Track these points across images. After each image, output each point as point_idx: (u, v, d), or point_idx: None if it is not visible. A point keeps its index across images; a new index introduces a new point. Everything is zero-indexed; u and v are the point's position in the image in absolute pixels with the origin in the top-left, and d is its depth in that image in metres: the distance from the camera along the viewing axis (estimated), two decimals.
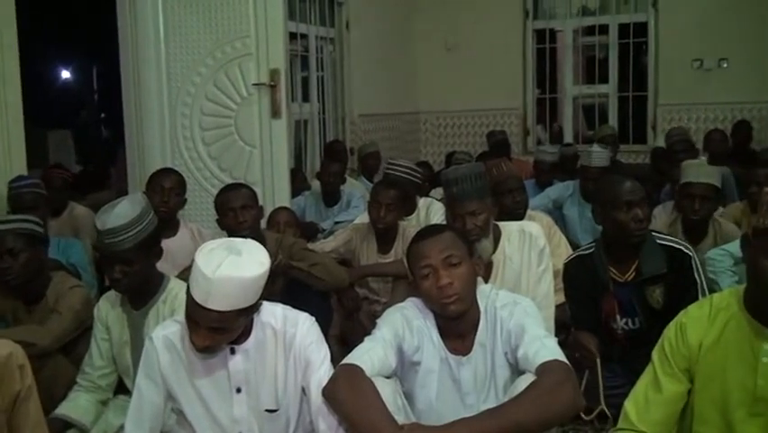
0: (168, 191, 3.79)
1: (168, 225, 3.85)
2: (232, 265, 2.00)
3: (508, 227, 3.12)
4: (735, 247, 3.30)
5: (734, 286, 2.24)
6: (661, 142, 6.59)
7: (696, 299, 2.74)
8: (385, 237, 4.01)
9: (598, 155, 4.99)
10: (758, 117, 7.27)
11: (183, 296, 2.65)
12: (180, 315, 2.19)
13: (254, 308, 2.12)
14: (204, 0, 4.46)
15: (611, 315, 3.04)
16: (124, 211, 2.58)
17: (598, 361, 2.86)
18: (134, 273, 2.62)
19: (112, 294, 2.80)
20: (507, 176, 3.96)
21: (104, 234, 2.58)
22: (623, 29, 7.88)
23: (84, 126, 13.03)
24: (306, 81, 6.77)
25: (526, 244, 3.07)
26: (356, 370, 2.07)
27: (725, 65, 7.33)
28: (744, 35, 7.17)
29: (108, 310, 2.78)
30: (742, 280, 2.04)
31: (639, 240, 2.93)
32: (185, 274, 3.12)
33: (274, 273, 2.14)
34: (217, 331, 2.06)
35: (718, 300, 2.05)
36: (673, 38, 7.49)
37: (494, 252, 3.04)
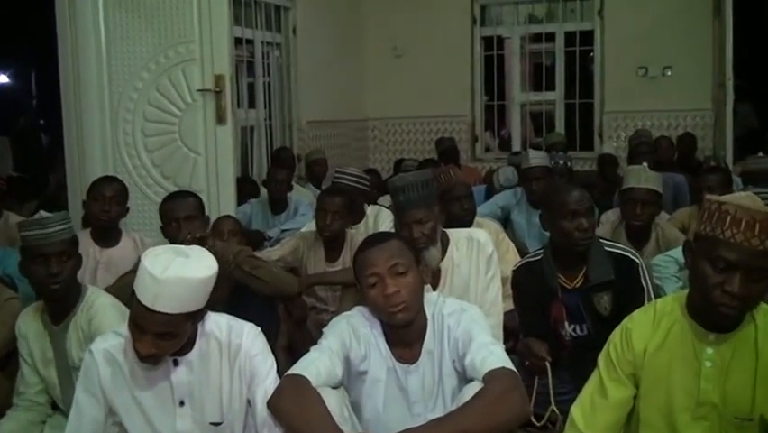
0: (109, 200, 3.72)
1: (109, 234, 3.79)
2: (180, 266, 2.01)
3: (456, 235, 3.13)
4: (679, 253, 3.37)
5: (678, 292, 2.29)
6: (607, 149, 6.71)
7: (643, 305, 2.79)
8: (332, 245, 4.00)
9: (534, 155, 5.07)
10: (701, 124, 7.46)
11: (100, 304, 2.64)
12: (102, 324, 2.16)
13: (201, 314, 2.11)
14: (146, 3, 4.40)
15: (560, 321, 3.07)
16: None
17: (549, 367, 2.88)
18: (70, 270, 2.60)
19: (30, 310, 2.75)
20: (454, 183, 3.98)
21: (36, 227, 2.57)
22: (569, 37, 8.02)
23: (22, 133, 12.73)
24: (252, 87, 6.73)
25: (474, 252, 3.09)
26: (302, 380, 2.05)
27: (669, 73, 7.52)
28: (688, 44, 7.36)
29: (29, 327, 2.73)
30: (686, 285, 2.08)
31: (583, 249, 2.97)
32: (122, 281, 3.09)
33: (218, 277, 2.13)
34: (164, 337, 2.04)
35: (662, 306, 2.09)
36: (619, 46, 7.64)
37: (442, 259, 3.05)
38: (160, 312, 1.99)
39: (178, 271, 2.00)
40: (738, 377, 1.97)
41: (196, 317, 2.10)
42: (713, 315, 1.92)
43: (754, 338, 1.97)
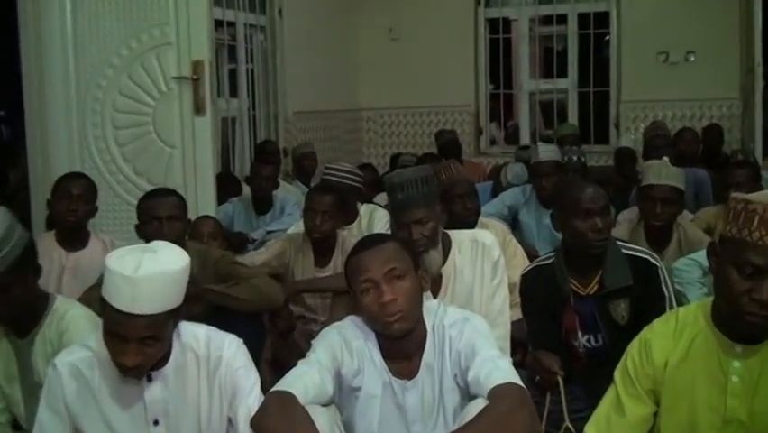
0: (76, 198, 3.72)
1: (76, 236, 3.79)
2: (153, 262, 2.03)
3: (459, 237, 3.14)
4: (703, 257, 3.38)
5: (702, 299, 2.30)
6: (624, 142, 6.72)
7: (663, 313, 2.79)
8: (322, 248, 4.01)
9: (544, 149, 5.08)
10: (728, 115, 7.48)
11: (72, 316, 2.62)
12: (76, 338, 2.16)
13: (181, 312, 2.13)
14: None
15: (572, 331, 3.07)
16: None
17: (561, 382, 2.89)
18: (11, 301, 2.49)
19: None
20: (457, 180, 3.99)
21: None
22: (583, 19, 8.04)
23: None
24: (233, 74, 6.74)
25: (479, 255, 3.09)
26: (288, 397, 2.05)
27: (692, 58, 7.53)
28: (712, 26, 7.37)
29: None
30: (711, 292, 2.09)
31: (598, 251, 2.97)
32: (90, 295, 3.07)
33: (189, 298, 2.14)
34: (148, 342, 2.05)
35: (684, 315, 2.10)
36: (637, 29, 7.66)
37: (443, 264, 3.05)
38: (140, 315, 2.01)
39: (153, 266, 2.02)
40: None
41: (177, 315, 2.12)
42: (740, 325, 1.93)
43: None
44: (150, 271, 2.01)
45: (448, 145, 7.09)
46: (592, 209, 2.96)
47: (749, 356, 1.99)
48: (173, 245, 2.16)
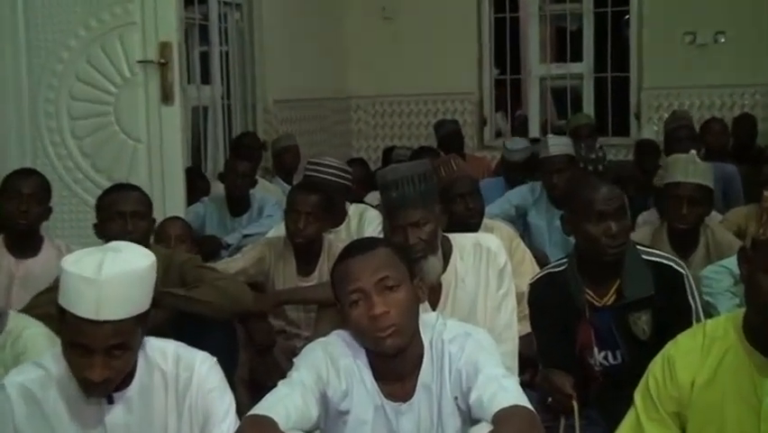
0: (27, 198, 3.72)
1: (27, 242, 3.79)
2: (116, 261, 2.05)
3: (461, 241, 3.14)
4: (734, 263, 3.39)
5: (734, 310, 2.30)
6: (646, 134, 6.74)
7: (689, 327, 2.80)
8: (306, 254, 4.01)
9: (555, 142, 5.10)
10: (762, 103, 7.51)
11: (30, 335, 2.62)
12: (34, 357, 2.15)
13: (148, 317, 2.14)
14: None
15: (587, 347, 3.08)
16: None
17: (576, 405, 2.89)
18: None
19: None
20: (458, 177, 4.00)
21: None
22: None
23: None
24: (205, 58, 6.73)
25: (483, 262, 3.10)
26: (267, 423, 2.05)
27: (722, 39, 7.56)
28: (744, 3, 7.39)
29: None
30: (743, 303, 2.09)
31: (612, 258, 2.97)
32: (40, 300, 3.07)
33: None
34: (115, 352, 2.05)
35: (713, 328, 2.10)
36: (660, 7, 7.69)
37: (443, 271, 3.06)
38: (107, 321, 2.01)
39: (117, 266, 2.03)
40: None
41: (145, 322, 2.13)
42: None
43: None
44: (115, 272, 2.02)
45: (449, 137, 7.09)
46: (606, 211, 2.95)
47: None
48: (136, 245, 2.18)
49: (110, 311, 2.01)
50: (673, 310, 2.97)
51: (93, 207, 3.60)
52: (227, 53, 6.86)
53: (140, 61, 4.39)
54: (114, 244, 2.17)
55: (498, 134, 8.64)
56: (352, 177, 4.78)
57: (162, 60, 4.35)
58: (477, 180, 4.22)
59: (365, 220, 4.53)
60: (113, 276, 2.01)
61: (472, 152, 7.82)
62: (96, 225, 3.46)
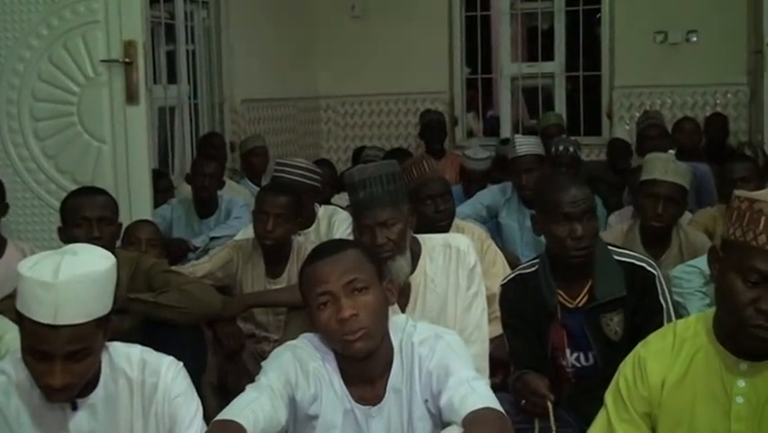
0: None
1: None
2: (73, 264, 2.03)
3: (430, 242, 3.15)
4: (705, 263, 3.42)
5: (704, 310, 2.32)
6: (618, 133, 6.79)
7: (661, 327, 2.82)
8: (275, 257, 4.00)
9: (523, 141, 5.13)
10: (734, 103, 7.57)
11: (11, 339, 2.59)
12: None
13: (110, 321, 2.12)
14: None
15: (559, 349, 3.09)
16: None
17: (551, 407, 2.91)
18: None
19: None
20: (429, 178, 4.00)
21: None
22: None
23: None
24: (171, 57, 6.69)
25: (453, 262, 3.11)
26: (234, 428, 2.04)
27: (694, 39, 7.61)
28: (714, 3, 7.46)
29: None
30: (714, 303, 2.11)
31: (578, 261, 2.98)
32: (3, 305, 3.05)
33: (116, 311, 2.13)
34: (76, 357, 2.04)
35: (683, 328, 2.12)
36: (632, 5, 7.73)
37: (412, 272, 3.06)
38: (66, 325, 2.00)
39: (74, 269, 2.02)
40: None
41: (106, 325, 2.11)
42: (744, 339, 1.95)
43: None
44: (73, 275, 2.01)
45: (431, 126, 7.14)
46: (572, 214, 2.95)
47: (755, 374, 2.01)
48: (94, 246, 2.17)
49: (68, 316, 2.00)
50: (645, 311, 2.99)
51: (57, 209, 3.58)
52: (194, 52, 6.82)
53: (104, 61, 4.37)
54: (71, 246, 2.16)
55: (470, 134, 8.65)
56: (320, 178, 4.79)
57: (127, 60, 4.33)
58: (448, 183, 4.23)
59: (334, 222, 4.54)
60: (70, 280, 2.00)
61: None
62: (60, 229, 3.44)
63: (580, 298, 3.05)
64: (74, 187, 4.10)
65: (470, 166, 5.99)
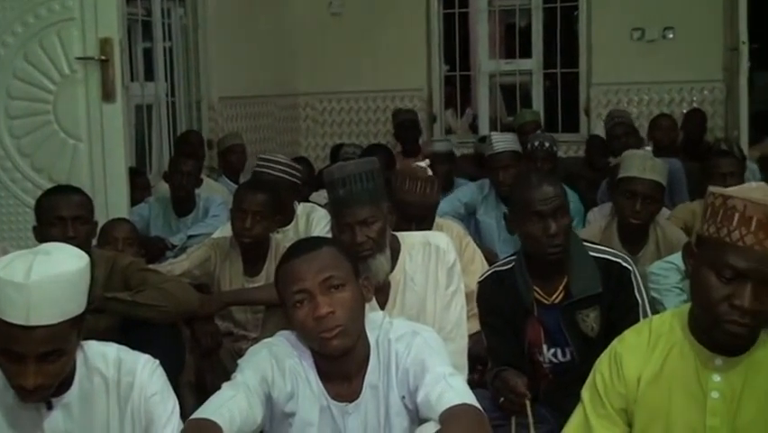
0: None
1: None
2: (46, 264, 2.02)
3: (409, 239, 3.15)
4: (681, 259, 3.44)
5: (680, 306, 2.34)
6: (595, 130, 6.82)
7: (637, 322, 2.83)
8: (253, 255, 3.99)
9: (499, 138, 5.15)
10: (710, 99, 7.62)
11: None
12: None
13: (84, 321, 2.11)
14: None
15: (536, 345, 3.10)
16: None
17: (529, 405, 2.92)
18: None
19: None
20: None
21: None
22: None
23: None
24: (148, 54, 6.67)
25: (432, 260, 3.11)
26: (210, 426, 2.04)
27: (670, 35, 7.65)
28: (692, 0, 7.49)
29: None
30: (690, 298, 2.12)
31: (553, 258, 3.00)
32: None
33: (93, 311, 2.12)
34: (50, 358, 2.02)
35: (659, 324, 2.13)
36: (609, 3, 7.75)
37: (392, 270, 3.07)
38: (38, 326, 1.99)
39: (47, 269, 2.01)
40: (752, 409, 2.02)
41: (80, 325, 2.10)
42: (719, 335, 1.96)
43: None
44: (45, 275, 1.99)
45: (404, 126, 7.16)
46: (544, 211, 2.96)
47: (730, 369, 2.02)
48: (67, 246, 2.15)
49: (41, 316, 1.99)
50: (621, 307, 3.00)
51: (32, 207, 3.56)
52: (171, 50, 6.81)
53: (79, 58, 4.35)
54: (44, 246, 2.14)
55: (448, 131, 8.67)
56: (301, 175, 4.79)
57: (103, 57, 4.32)
58: (436, 207, 4.15)
59: (313, 220, 4.54)
60: (42, 280, 1.99)
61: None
62: (35, 228, 3.43)
63: (556, 294, 3.07)
64: (50, 185, 4.08)
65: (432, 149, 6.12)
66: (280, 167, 4.61)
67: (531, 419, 2.91)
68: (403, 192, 3.77)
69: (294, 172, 4.65)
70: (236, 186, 5.28)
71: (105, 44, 4.31)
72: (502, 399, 2.98)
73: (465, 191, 5.34)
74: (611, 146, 5.82)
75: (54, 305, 2.01)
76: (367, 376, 2.27)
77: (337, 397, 2.28)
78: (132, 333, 3.04)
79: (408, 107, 7.92)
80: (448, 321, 3.09)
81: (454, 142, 6.29)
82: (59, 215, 3.33)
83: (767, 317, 1.96)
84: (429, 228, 3.91)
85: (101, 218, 4.03)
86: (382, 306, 3.02)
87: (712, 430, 2.04)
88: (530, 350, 3.11)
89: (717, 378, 2.03)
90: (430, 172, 3.94)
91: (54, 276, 2.01)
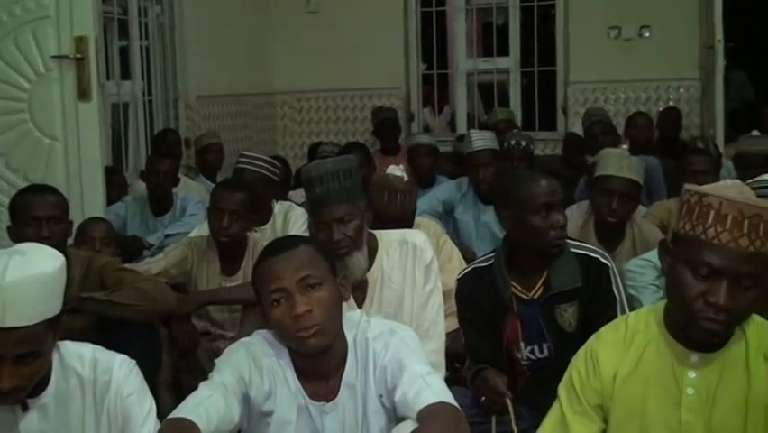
0: None
1: None
2: (21, 265, 2.01)
3: (386, 237, 3.16)
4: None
5: (656, 303, 2.35)
6: (573, 128, 6.84)
7: (615, 318, 2.84)
8: (230, 254, 3.99)
9: (478, 137, 5.17)
10: (686, 97, 7.66)
11: None
12: None
13: (60, 322, 2.11)
14: None
15: (514, 342, 3.12)
16: None
17: (510, 404, 2.92)
18: None
19: None
20: (401, 214, 3.94)
21: None
22: None
23: None
24: (125, 53, 6.64)
25: (410, 258, 3.12)
26: (187, 426, 2.04)
27: (647, 34, 7.69)
28: None
29: None
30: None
31: (557, 250, 3.02)
32: None
33: (69, 311, 2.11)
34: (25, 360, 2.02)
35: (635, 321, 2.15)
36: (586, 1, 7.78)
37: (369, 268, 3.07)
38: (13, 328, 1.98)
39: (22, 270, 2.00)
40: (727, 405, 2.03)
41: (56, 326, 2.10)
42: (695, 331, 1.97)
43: (745, 358, 2.03)
44: (20, 276, 1.99)
45: (384, 125, 7.16)
46: (552, 203, 3.00)
47: (705, 366, 2.04)
48: (43, 246, 2.14)
49: (16, 317, 1.98)
50: (599, 302, 3.03)
51: (7, 207, 3.54)
52: (147, 48, 6.78)
53: (54, 57, 4.32)
54: (20, 246, 2.13)
55: (426, 129, 8.67)
56: (280, 173, 4.79)
57: (79, 56, 4.29)
58: (415, 212, 4.14)
59: (290, 218, 4.53)
60: (18, 281, 1.98)
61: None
62: (10, 228, 3.41)
63: (535, 289, 3.09)
64: (25, 185, 4.06)
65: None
66: (262, 163, 4.62)
67: (513, 419, 2.91)
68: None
69: (274, 170, 4.66)
70: (214, 185, 5.27)
71: (80, 42, 4.28)
72: (483, 398, 2.99)
73: (443, 189, 5.35)
74: (589, 145, 5.84)
75: (30, 306, 2.00)
76: (344, 375, 2.27)
77: (315, 396, 2.28)
78: (109, 333, 3.03)
79: (387, 105, 7.91)
80: (425, 319, 3.10)
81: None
82: (34, 214, 3.32)
83: (742, 315, 1.97)
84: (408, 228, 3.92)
85: (77, 218, 4.01)
86: (360, 304, 3.03)
87: (688, 426, 2.05)
88: (508, 347, 3.13)
89: (692, 374, 2.04)
90: (406, 178, 3.92)
91: (30, 277, 2.00)
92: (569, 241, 3.15)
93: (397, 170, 3.94)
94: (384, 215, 3.74)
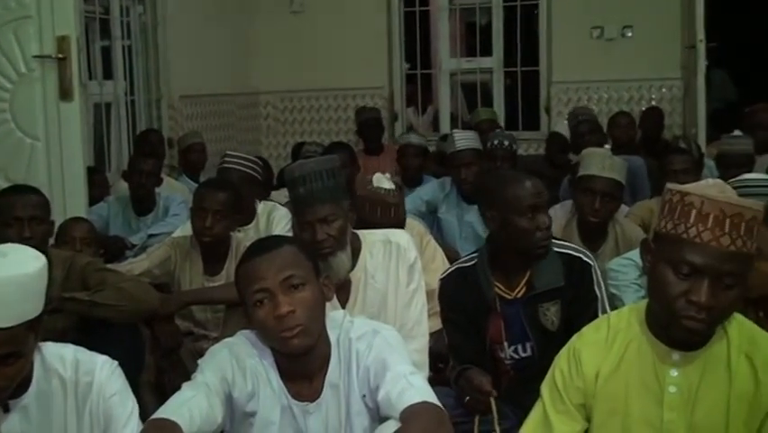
0: None
1: None
2: (2, 266, 2.01)
3: (370, 237, 3.16)
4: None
5: (638, 302, 2.36)
6: (556, 127, 6.85)
7: (596, 318, 2.86)
8: (213, 254, 3.98)
9: (461, 136, 5.18)
10: (668, 97, 7.70)
11: None
12: None
13: (41, 323, 2.10)
14: None
15: (497, 341, 3.12)
16: None
17: (494, 404, 2.93)
18: None
19: None
20: (387, 223, 3.94)
21: None
22: None
23: None
24: (107, 52, 6.62)
25: (393, 258, 3.13)
26: (170, 426, 2.03)
27: (629, 34, 7.72)
28: None
29: None
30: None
31: (543, 251, 3.02)
32: None
33: (51, 311, 2.10)
34: (6, 361, 2.01)
35: (616, 320, 2.16)
36: (569, 1, 7.81)
37: (353, 268, 3.07)
38: None
39: (3, 270, 1.99)
40: (708, 404, 2.04)
41: (37, 327, 2.09)
42: (677, 330, 1.98)
43: (726, 356, 2.04)
44: (1, 277, 1.98)
45: (368, 125, 7.16)
46: (538, 205, 3.00)
47: (687, 364, 2.05)
48: (24, 247, 2.13)
49: None
50: (581, 301, 3.03)
51: None
52: (130, 48, 6.76)
53: (36, 56, 4.32)
54: (1, 247, 2.12)
55: (410, 129, 8.66)
56: (263, 173, 4.80)
57: (60, 55, 4.29)
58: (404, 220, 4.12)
59: (273, 218, 4.53)
60: None
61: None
62: None
63: (518, 289, 3.09)
64: (7, 185, 4.06)
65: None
66: (248, 163, 4.63)
67: (496, 419, 2.92)
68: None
69: (259, 170, 4.68)
70: (197, 185, 5.26)
71: (62, 42, 4.28)
72: (467, 398, 2.99)
73: (427, 189, 5.36)
74: (576, 144, 5.85)
75: (11, 307, 1.99)
76: (328, 375, 2.27)
77: (298, 396, 2.28)
78: (92, 333, 3.02)
79: (370, 105, 7.91)
80: (409, 319, 3.10)
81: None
82: (16, 215, 3.31)
83: (724, 313, 1.98)
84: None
85: (59, 218, 4.00)
86: (343, 304, 3.03)
87: (669, 424, 2.06)
88: (492, 347, 3.13)
89: (674, 373, 2.06)
90: (392, 186, 3.90)
91: (11, 277, 1.99)
92: (552, 240, 3.16)
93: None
94: (373, 225, 3.74)
